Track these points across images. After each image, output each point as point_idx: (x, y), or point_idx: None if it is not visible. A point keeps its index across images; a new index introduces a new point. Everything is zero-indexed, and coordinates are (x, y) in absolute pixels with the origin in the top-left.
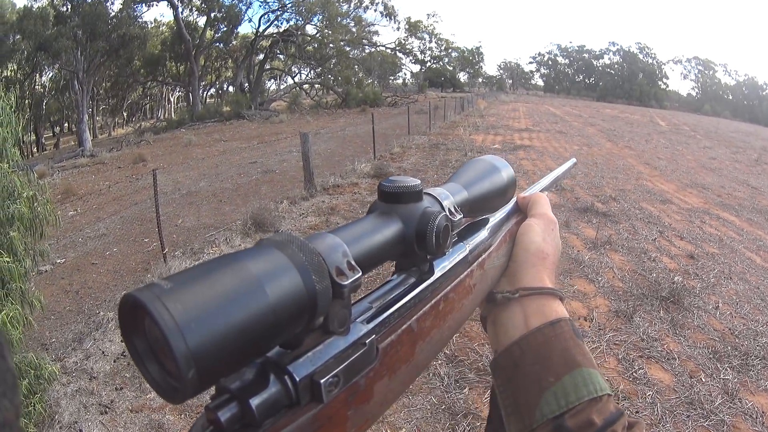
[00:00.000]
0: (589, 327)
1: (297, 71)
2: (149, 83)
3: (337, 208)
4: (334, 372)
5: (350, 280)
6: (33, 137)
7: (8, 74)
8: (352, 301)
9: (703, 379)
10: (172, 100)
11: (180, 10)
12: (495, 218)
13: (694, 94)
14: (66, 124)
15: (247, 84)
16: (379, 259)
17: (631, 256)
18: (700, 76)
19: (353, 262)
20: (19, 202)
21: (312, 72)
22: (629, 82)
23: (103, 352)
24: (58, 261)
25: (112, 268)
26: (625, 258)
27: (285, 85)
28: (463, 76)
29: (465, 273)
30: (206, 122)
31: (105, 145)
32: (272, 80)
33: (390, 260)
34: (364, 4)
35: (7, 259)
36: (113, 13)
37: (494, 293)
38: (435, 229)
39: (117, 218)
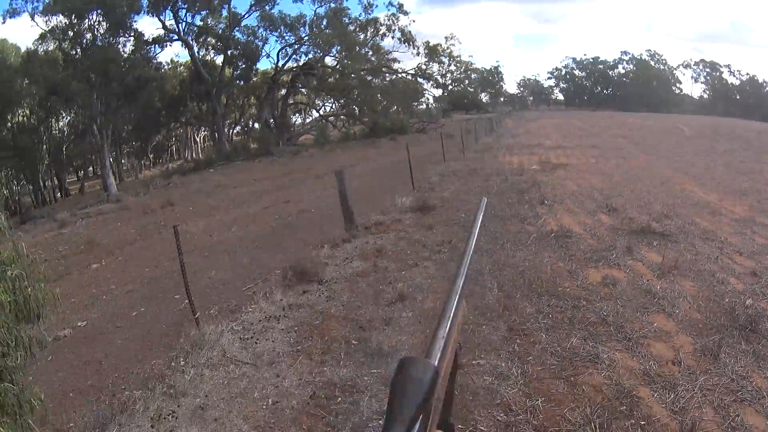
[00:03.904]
0: (680, 372)
1: (321, 104)
2: (172, 125)
3: (384, 250)
4: None
5: None
6: (56, 182)
7: (21, 120)
8: None
9: None
10: (198, 139)
11: (196, 49)
12: None
13: (706, 96)
14: (91, 168)
15: (272, 120)
16: None
17: (700, 281)
18: (709, 78)
19: None
20: None
21: (336, 103)
22: (646, 89)
23: None
24: (79, 324)
25: (139, 333)
26: (695, 284)
27: (311, 118)
28: (484, 97)
29: None
30: (234, 161)
31: (132, 189)
32: (297, 114)
33: None
34: (381, 32)
35: None
36: (126, 55)
37: None
38: None
39: (144, 271)
